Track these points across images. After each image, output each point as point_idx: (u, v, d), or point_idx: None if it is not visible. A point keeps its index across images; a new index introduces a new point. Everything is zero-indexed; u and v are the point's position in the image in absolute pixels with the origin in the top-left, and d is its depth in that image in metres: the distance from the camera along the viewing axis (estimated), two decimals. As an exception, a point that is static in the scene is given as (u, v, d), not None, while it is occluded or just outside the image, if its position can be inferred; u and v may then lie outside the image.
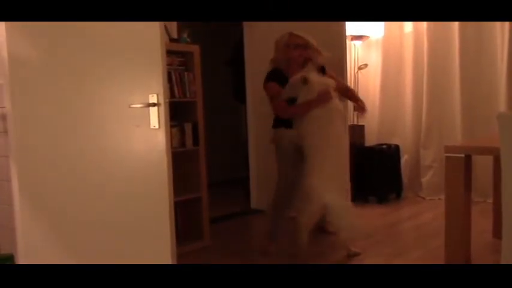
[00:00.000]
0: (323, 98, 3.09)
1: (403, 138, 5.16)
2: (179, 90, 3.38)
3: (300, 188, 3.08)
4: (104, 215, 2.33)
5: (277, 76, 3.24)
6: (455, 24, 4.70)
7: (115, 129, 2.26)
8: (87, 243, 2.40)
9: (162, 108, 2.07)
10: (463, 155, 2.73)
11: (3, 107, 2.71)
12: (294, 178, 3.20)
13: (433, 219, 4.13)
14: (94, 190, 2.34)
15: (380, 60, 5.24)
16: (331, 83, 3.19)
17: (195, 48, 3.49)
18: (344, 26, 4.14)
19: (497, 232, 3.38)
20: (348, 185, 3.22)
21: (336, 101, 3.18)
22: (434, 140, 4.97)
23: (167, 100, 2.09)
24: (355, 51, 5.19)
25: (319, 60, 3.25)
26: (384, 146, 5.01)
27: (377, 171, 4.88)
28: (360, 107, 3.44)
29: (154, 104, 2.06)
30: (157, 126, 2.08)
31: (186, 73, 3.43)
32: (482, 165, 4.25)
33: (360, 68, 5.13)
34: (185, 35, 3.52)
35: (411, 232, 3.91)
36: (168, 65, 2.57)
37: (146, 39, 2.09)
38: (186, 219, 3.61)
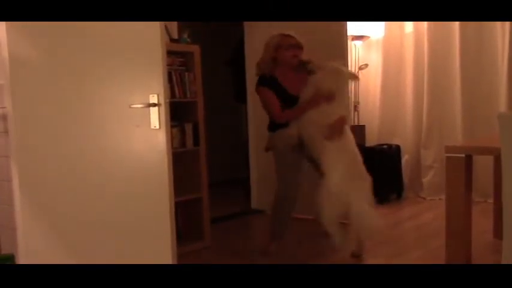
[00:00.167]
0: (316, 99, 3.06)
1: (403, 139, 5.16)
2: (179, 90, 3.38)
3: (318, 189, 3.00)
4: (105, 215, 2.33)
5: (268, 81, 3.17)
6: (456, 25, 4.70)
7: (115, 129, 2.26)
8: (87, 243, 2.40)
9: (162, 108, 2.07)
10: (463, 155, 2.73)
11: (4, 107, 2.71)
12: (294, 179, 3.19)
13: (434, 220, 4.13)
14: (94, 190, 2.34)
15: (380, 60, 5.24)
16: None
17: (196, 49, 3.49)
18: (345, 26, 4.13)
19: (497, 232, 3.37)
20: (367, 176, 3.07)
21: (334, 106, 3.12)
22: (435, 140, 4.96)
23: (167, 100, 2.09)
24: (355, 52, 5.19)
25: (305, 62, 3.21)
26: (385, 146, 5.01)
27: (378, 172, 4.82)
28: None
29: (154, 104, 2.06)
30: (157, 127, 2.08)
31: (186, 73, 3.43)
32: (483, 165, 4.24)
33: (360, 68, 5.13)
34: (185, 35, 3.52)
35: (412, 232, 3.90)
36: (168, 65, 2.58)
37: (146, 39, 2.09)
38: (186, 220, 3.62)
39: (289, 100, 3.15)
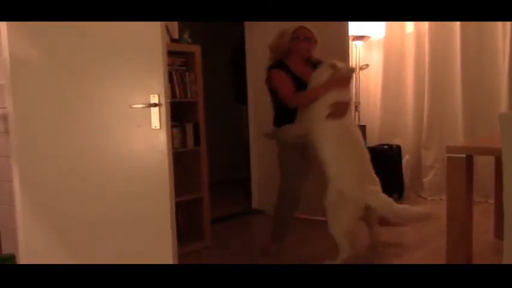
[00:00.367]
0: (337, 81, 3.01)
1: (404, 139, 5.16)
2: (180, 90, 3.38)
3: (326, 194, 2.95)
4: (105, 215, 2.33)
5: (282, 66, 3.17)
6: (457, 25, 4.70)
7: (116, 129, 2.26)
8: (88, 243, 2.40)
9: (163, 108, 2.07)
10: (464, 156, 2.73)
11: (5, 108, 2.71)
12: (297, 176, 3.17)
13: (435, 220, 4.12)
14: (95, 190, 2.34)
15: (381, 60, 5.23)
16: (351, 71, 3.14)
17: (196, 49, 3.49)
18: (346, 26, 4.13)
19: (498, 232, 3.37)
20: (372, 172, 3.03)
21: (344, 93, 3.11)
22: (436, 141, 4.96)
23: (168, 100, 2.09)
24: (356, 52, 5.18)
25: (315, 59, 3.23)
26: (385, 147, 5.01)
27: (378, 172, 4.87)
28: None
29: (155, 104, 2.06)
30: (158, 127, 2.08)
31: (187, 73, 3.43)
32: (484, 165, 4.24)
33: (361, 68, 5.13)
34: (186, 35, 3.52)
35: (413, 232, 3.90)
36: (169, 65, 2.57)
37: (147, 39, 2.09)
38: (187, 219, 3.61)
39: (300, 86, 3.13)
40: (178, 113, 3.33)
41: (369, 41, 5.24)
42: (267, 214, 4.55)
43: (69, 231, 2.46)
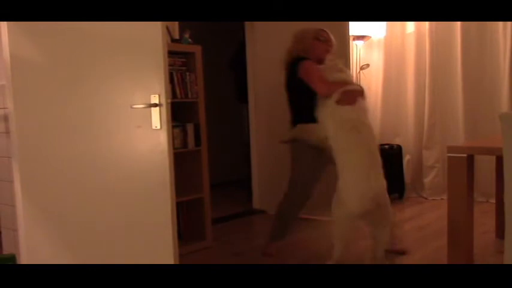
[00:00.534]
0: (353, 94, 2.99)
1: (405, 139, 5.15)
2: (181, 90, 3.38)
3: (335, 194, 2.90)
4: (106, 215, 2.33)
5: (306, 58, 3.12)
6: (457, 24, 4.70)
7: (117, 129, 2.26)
8: (89, 243, 2.40)
9: (163, 108, 2.07)
10: (465, 155, 2.73)
11: (6, 108, 2.72)
12: (310, 181, 3.09)
13: (436, 220, 4.12)
14: (96, 190, 2.35)
15: (382, 60, 5.23)
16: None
17: (197, 49, 3.49)
18: (347, 26, 4.13)
19: (500, 232, 3.37)
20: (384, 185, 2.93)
21: (363, 101, 3.08)
22: (437, 140, 4.96)
23: (169, 100, 2.09)
24: (357, 52, 5.18)
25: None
26: (386, 146, 5.00)
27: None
28: None
29: (156, 105, 2.06)
30: (159, 127, 2.08)
31: (187, 73, 3.43)
32: (485, 165, 4.24)
33: (361, 68, 5.13)
34: (187, 36, 3.52)
35: (414, 232, 3.90)
36: (169, 65, 2.58)
37: (148, 39, 2.09)
38: (188, 220, 3.61)
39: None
40: (179, 114, 3.33)
41: (370, 41, 5.24)
42: (268, 214, 4.55)
43: (70, 231, 2.46)
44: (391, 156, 4.95)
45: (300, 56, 3.15)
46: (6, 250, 2.94)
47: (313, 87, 3.03)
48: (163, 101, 2.07)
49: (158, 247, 2.15)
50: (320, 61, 3.14)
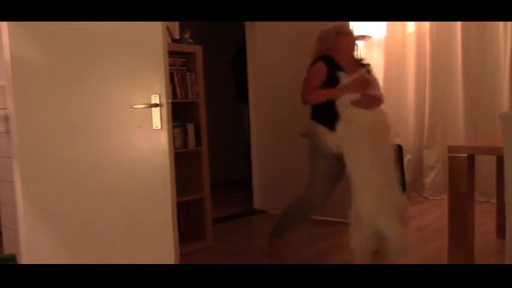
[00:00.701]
0: (359, 85, 2.91)
1: (405, 139, 5.15)
2: (181, 90, 3.38)
3: (351, 209, 2.81)
4: (106, 215, 2.33)
5: (327, 59, 3.00)
6: (458, 24, 4.70)
7: (117, 129, 2.26)
8: (89, 243, 2.40)
9: (164, 108, 2.07)
10: (466, 155, 2.73)
11: (6, 108, 2.72)
12: (326, 188, 2.99)
13: (436, 220, 4.12)
14: (96, 190, 2.35)
15: (382, 60, 5.23)
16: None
17: (197, 49, 3.49)
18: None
19: (500, 232, 3.37)
20: (404, 200, 2.88)
21: (383, 111, 2.99)
22: (437, 140, 4.96)
23: (169, 101, 2.09)
24: (357, 51, 5.17)
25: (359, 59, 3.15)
26: (387, 146, 4.99)
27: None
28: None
29: (156, 105, 2.07)
30: (159, 127, 2.08)
31: (188, 74, 3.43)
32: (486, 165, 4.23)
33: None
34: (187, 36, 3.52)
35: (414, 232, 3.89)
36: (170, 65, 2.58)
37: (148, 39, 2.09)
38: (188, 220, 3.62)
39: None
40: (180, 114, 3.33)
41: (370, 41, 5.24)
42: (268, 214, 4.55)
43: (71, 231, 2.46)
44: (392, 156, 4.95)
45: (324, 54, 3.03)
46: (7, 250, 2.94)
47: (302, 89, 3.00)
48: (163, 101, 2.07)
49: (159, 247, 2.15)
50: (349, 56, 3.06)
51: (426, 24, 4.90)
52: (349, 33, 3.10)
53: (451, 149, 2.79)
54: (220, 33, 5.57)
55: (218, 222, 4.16)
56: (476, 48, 4.65)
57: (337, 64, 2.99)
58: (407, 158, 5.12)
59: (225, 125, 5.88)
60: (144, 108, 2.10)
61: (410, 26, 5.06)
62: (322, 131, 2.94)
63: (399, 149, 5.05)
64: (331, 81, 2.94)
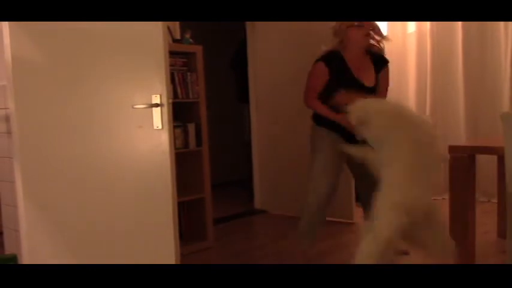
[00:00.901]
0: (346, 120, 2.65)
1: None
2: (182, 90, 3.38)
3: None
4: (107, 215, 2.33)
5: (329, 57, 2.88)
6: (459, 24, 4.69)
7: (118, 130, 2.27)
8: (90, 243, 2.40)
9: (165, 108, 2.07)
10: (466, 155, 2.72)
11: (7, 108, 2.72)
12: (330, 180, 2.90)
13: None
14: (97, 191, 2.35)
15: (383, 60, 5.23)
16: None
17: (198, 49, 3.49)
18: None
19: (501, 232, 3.36)
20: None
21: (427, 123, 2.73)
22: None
23: (170, 101, 2.09)
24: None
25: (376, 49, 2.95)
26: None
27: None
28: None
29: (157, 105, 2.07)
30: (160, 127, 2.08)
31: (189, 74, 3.43)
32: (487, 165, 4.23)
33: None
34: (188, 36, 3.52)
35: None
36: (170, 65, 2.57)
37: (149, 39, 2.09)
38: (189, 220, 3.62)
39: (353, 84, 2.84)
40: (180, 114, 3.33)
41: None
42: (269, 214, 4.56)
43: (71, 231, 2.47)
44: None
45: (335, 50, 2.90)
46: (8, 250, 2.94)
47: (304, 91, 2.93)
48: (164, 101, 2.07)
49: (159, 247, 2.15)
50: (360, 51, 2.89)
51: (427, 25, 4.90)
52: (361, 25, 2.85)
53: (451, 149, 2.79)
54: (220, 33, 5.57)
55: (219, 222, 4.16)
56: (477, 48, 4.64)
57: (343, 64, 2.87)
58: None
59: (225, 125, 5.88)
60: (144, 108, 2.10)
61: (411, 26, 5.06)
62: (325, 132, 2.90)
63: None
64: (333, 83, 2.85)
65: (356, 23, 2.84)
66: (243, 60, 4.83)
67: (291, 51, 4.29)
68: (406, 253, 3.22)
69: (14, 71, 2.58)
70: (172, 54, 3.04)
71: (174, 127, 2.94)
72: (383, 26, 5.08)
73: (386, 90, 3.04)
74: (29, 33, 2.48)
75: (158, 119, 2.07)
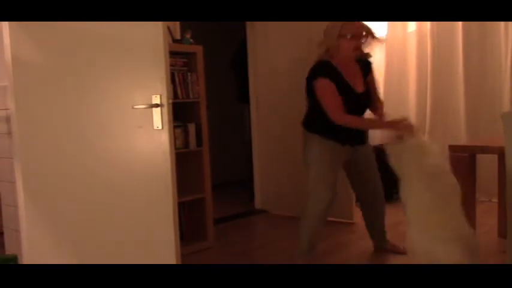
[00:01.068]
0: (395, 124, 2.74)
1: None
2: (182, 90, 3.38)
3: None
4: (107, 215, 2.33)
5: (328, 71, 2.83)
6: (459, 24, 4.69)
7: (118, 130, 2.27)
8: (90, 243, 2.40)
9: (165, 109, 2.07)
10: (467, 155, 2.72)
11: (7, 109, 2.72)
12: (331, 179, 2.89)
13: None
14: (97, 191, 2.35)
15: (383, 60, 5.23)
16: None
17: (198, 49, 3.49)
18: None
19: (502, 232, 3.36)
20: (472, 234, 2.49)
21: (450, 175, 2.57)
22: (439, 140, 4.94)
23: (170, 101, 2.09)
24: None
25: (365, 54, 2.98)
26: (388, 146, 4.98)
27: (381, 171, 4.86)
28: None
29: (157, 105, 2.07)
30: (160, 127, 2.08)
31: (189, 74, 3.43)
32: (487, 164, 4.23)
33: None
34: (188, 36, 3.52)
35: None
36: (171, 65, 2.57)
37: (149, 39, 2.09)
38: (190, 220, 3.62)
39: (351, 94, 2.84)
40: (181, 114, 3.33)
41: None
42: (270, 214, 4.56)
43: (72, 231, 2.47)
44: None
45: (322, 60, 2.87)
46: (9, 251, 2.94)
47: (327, 111, 2.80)
48: (164, 101, 2.07)
49: (160, 247, 2.15)
50: (349, 59, 2.88)
51: (427, 25, 4.89)
52: (354, 37, 2.84)
53: (452, 148, 2.79)
54: (220, 33, 5.57)
55: (219, 222, 4.16)
56: (478, 48, 4.63)
57: (339, 75, 2.86)
58: (408, 157, 5.10)
59: (226, 125, 5.88)
60: (145, 108, 2.10)
61: (411, 25, 5.06)
62: (323, 141, 2.88)
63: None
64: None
65: (348, 36, 2.81)
66: (243, 60, 4.83)
67: (291, 51, 4.28)
68: (405, 253, 3.22)
69: (14, 71, 2.59)
70: (172, 54, 3.04)
71: (174, 127, 2.93)
72: (383, 26, 5.10)
73: (378, 93, 3.12)
74: (29, 33, 2.48)
75: (158, 119, 2.07)
